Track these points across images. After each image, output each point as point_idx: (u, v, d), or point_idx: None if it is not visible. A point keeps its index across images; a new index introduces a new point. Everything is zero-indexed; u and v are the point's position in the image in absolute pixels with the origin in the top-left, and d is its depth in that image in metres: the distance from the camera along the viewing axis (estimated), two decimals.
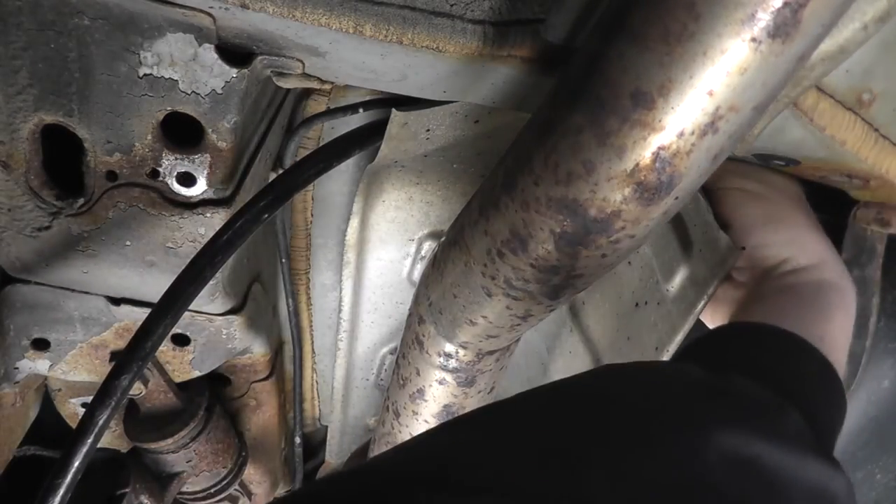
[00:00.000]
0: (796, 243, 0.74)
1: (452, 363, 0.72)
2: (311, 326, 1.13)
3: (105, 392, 0.62)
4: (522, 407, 0.49)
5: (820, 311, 0.68)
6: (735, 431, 0.47)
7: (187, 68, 0.58)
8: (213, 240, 0.63)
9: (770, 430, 0.50)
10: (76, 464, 0.61)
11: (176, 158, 0.64)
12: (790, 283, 0.72)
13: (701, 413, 0.48)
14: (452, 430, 0.47)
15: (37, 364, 0.83)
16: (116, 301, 0.78)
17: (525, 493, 0.38)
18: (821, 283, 0.71)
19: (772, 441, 0.48)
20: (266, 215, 0.65)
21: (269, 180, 0.83)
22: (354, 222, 0.95)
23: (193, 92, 0.59)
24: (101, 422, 0.62)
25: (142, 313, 0.79)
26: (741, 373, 0.55)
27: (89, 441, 0.62)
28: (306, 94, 0.81)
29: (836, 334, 0.67)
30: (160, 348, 0.84)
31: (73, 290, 0.77)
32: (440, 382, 0.74)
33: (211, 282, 0.75)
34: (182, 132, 0.63)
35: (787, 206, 0.78)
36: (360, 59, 0.59)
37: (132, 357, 0.62)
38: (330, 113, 0.81)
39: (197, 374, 0.89)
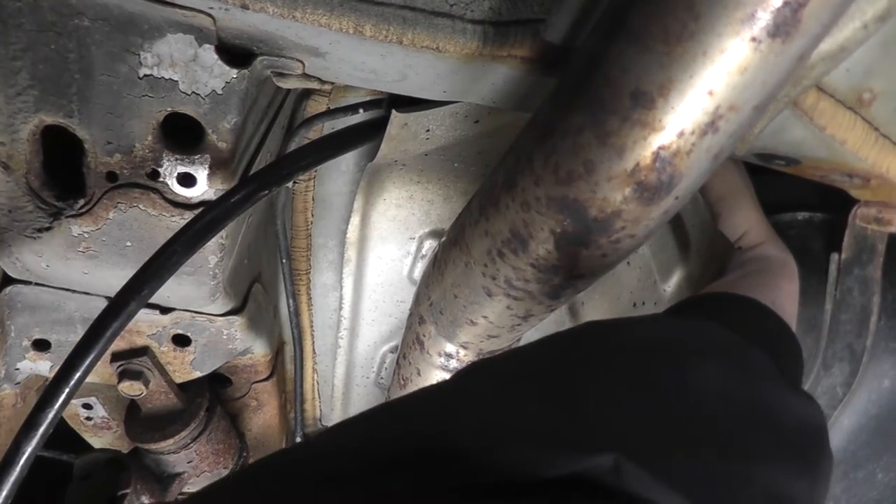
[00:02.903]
0: (746, 224, 0.84)
1: (453, 363, 0.72)
2: (311, 327, 1.13)
3: (53, 391, 0.58)
4: (521, 360, 0.49)
5: (768, 283, 0.76)
6: (714, 367, 0.49)
7: (187, 69, 0.58)
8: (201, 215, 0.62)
9: (747, 366, 0.52)
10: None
11: (176, 159, 0.64)
12: (743, 261, 0.81)
13: (681, 352, 0.50)
14: (458, 390, 0.47)
15: (38, 365, 0.83)
16: None
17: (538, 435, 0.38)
18: (767, 258, 0.80)
19: (751, 376, 0.51)
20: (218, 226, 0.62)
21: None
22: (355, 220, 0.95)
23: (193, 92, 0.59)
24: (64, 394, 0.58)
25: (143, 314, 0.79)
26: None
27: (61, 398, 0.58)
28: (306, 94, 0.81)
29: (784, 301, 0.74)
30: (161, 349, 0.85)
31: (73, 291, 0.77)
32: None
33: (211, 283, 0.75)
34: (182, 133, 0.63)
35: (738, 188, 0.86)
36: (360, 60, 0.59)
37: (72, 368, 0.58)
38: (330, 113, 0.81)
39: (198, 374, 0.89)
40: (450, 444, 0.36)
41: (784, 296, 0.75)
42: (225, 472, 1.04)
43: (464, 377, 0.47)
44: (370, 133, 0.75)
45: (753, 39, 0.40)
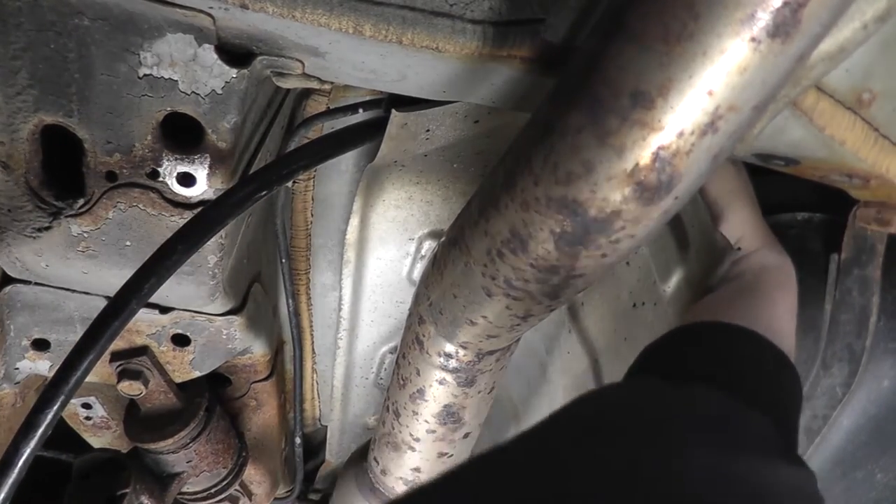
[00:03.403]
0: (744, 226, 0.82)
1: (452, 363, 0.72)
2: (311, 326, 1.13)
3: (55, 388, 0.58)
4: (508, 458, 0.49)
5: (764, 297, 0.74)
6: (708, 447, 0.47)
7: (187, 69, 0.58)
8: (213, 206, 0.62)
9: (740, 441, 0.50)
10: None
11: (176, 159, 0.64)
12: (737, 273, 0.79)
13: (672, 433, 0.48)
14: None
15: (37, 364, 0.83)
16: None
17: None
18: (764, 267, 0.78)
19: (745, 452, 0.49)
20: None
21: None
22: (354, 221, 0.95)
23: (193, 92, 0.59)
24: (57, 406, 0.58)
25: (142, 313, 0.79)
26: (702, 381, 0.57)
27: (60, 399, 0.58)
28: (306, 94, 0.81)
29: (781, 316, 0.72)
30: (160, 349, 0.85)
31: (73, 291, 0.77)
32: (440, 382, 0.74)
33: (211, 282, 0.75)
34: (182, 132, 0.63)
35: (737, 190, 0.84)
36: (359, 59, 0.59)
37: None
38: (330, 113, 0.81)
39: (197, 374, 0.89)
40: None
41: (781, 309, 0.73)
42: (224, 472, 1.04)
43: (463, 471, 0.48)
44: (370, 133, 0.75)
45: (753, 40, 0.40)
